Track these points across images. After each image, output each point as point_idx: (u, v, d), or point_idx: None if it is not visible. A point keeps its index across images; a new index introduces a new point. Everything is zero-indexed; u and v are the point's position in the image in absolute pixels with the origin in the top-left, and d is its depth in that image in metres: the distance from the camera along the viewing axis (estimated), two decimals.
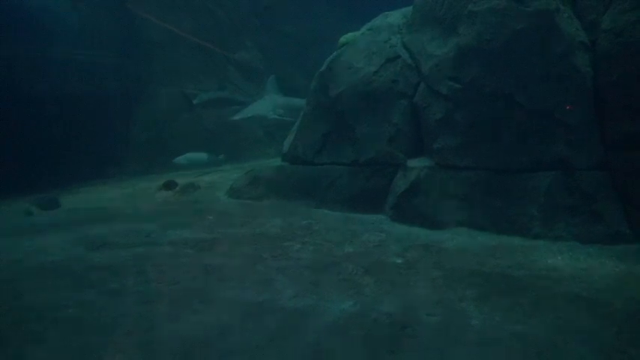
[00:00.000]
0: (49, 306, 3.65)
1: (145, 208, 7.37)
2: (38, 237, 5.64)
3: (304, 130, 7.59)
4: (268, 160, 10.05)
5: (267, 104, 10.04)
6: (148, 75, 12.04)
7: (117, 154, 10.38)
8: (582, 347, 2.98)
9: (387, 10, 7.77)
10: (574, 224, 5.11)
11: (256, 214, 6.60)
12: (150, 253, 4.98)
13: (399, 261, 4.58)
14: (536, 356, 2.91)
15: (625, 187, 5.13)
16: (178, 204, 7.58)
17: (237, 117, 9.40)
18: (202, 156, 10.41)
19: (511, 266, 4.37)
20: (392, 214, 6.10)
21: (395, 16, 7.45)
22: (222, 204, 7.40)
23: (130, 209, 7.27)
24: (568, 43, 5.33)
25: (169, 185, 8.36)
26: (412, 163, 6.22)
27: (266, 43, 14.92)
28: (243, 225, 6.02)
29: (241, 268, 4.47)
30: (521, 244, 4.98)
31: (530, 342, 3.05)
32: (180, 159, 10.05)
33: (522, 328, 3.22)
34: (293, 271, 4.33)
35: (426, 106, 6.28)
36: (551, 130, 5.38)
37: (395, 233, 5.52)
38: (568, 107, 5.33)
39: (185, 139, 11.00)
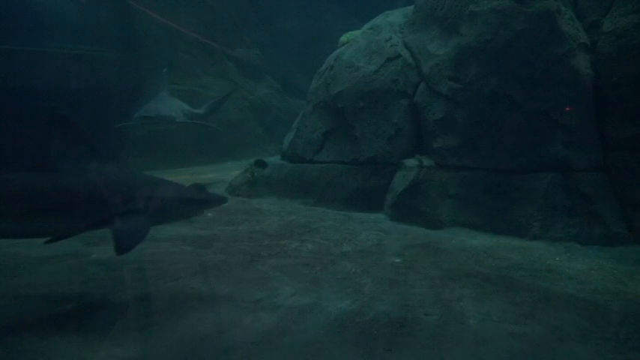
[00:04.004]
0: None
1: None
2: None
3: (304, 129, 7.58)
4: (268, 158, 10.03)
5: (170, 104, 9.00)
6: (147, 69, 12.01)
7: (114, 149, 10.31)
8: (579, 348, 2.99)
9: (388, 9, 7.77)
10: (572, 225, 5.12)
11: (255, 211, 6.60)
12: (148, 250, 4.97)
13: (398, 260, 4.58)
14: (533, 356, 2.92)
15: (624, 188, 5.15)
16: None
17: (142, 114, 8.17)
18: None
19: (509, 266, 4.38)
20: (391, 213, 6.11)
21: (396, 16, 7.46)
22: None
23: None
24: (569, 44, 5.33)
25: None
26: (411, 162, 6.23)
27: (266, 40, 14.90)
28: (241, 222, 6.01)
29: (239, 266, 4.47)
30: (519, 245, 5.00)
31: (527, 342, 3.06)
32: None
33: (520, 328, 3.23)
34: (291, 270, 4.33)
35: (426, 106, 6.28)
36: (551, 131, 5.38)
37: (394, 232, 5.53)
38: (568, 108, 5.34)
39: (183, 135, 10.95)
